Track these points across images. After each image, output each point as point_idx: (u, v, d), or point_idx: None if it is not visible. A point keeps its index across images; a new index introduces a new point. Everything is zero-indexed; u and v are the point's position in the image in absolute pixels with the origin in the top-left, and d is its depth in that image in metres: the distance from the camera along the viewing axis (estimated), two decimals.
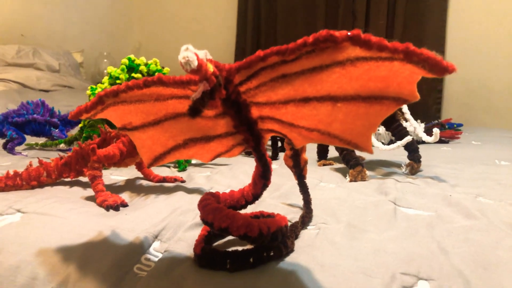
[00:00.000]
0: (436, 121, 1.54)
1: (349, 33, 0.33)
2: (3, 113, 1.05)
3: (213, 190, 0.72)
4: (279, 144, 1.19)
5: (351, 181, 0.85)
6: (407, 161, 0.95)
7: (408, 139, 0.80)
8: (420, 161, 0.94)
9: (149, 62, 0.94)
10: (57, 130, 1.10)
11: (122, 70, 0.93)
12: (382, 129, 1.50)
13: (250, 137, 0.45)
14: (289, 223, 0.56)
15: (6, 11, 2.43)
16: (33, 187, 0.68)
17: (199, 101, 0.35)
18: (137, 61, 0.94)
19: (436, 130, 0.78)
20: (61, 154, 0.73)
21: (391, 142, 1.35)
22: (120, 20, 3.40)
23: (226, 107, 0.42)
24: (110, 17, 3.27)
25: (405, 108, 0.88)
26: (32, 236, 0.51)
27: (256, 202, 0.64)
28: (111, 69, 0.94)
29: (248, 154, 1.16)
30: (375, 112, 0.38)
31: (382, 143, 1.43)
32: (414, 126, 0.87)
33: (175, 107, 0.44)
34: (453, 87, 2.76)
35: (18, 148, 1.07)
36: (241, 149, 0.48)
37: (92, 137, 0.89)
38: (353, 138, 0.40)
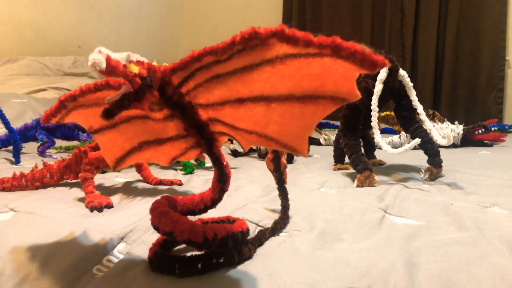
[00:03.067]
0: (479, 123, 1.41)
1: (273, 29, 0.31)
2: (36, 118, 1.14)
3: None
4: None
5: (357, 186, 0.80)
6: (427, 165, 0.88)
7: (416, 141, 0.74)
8: (441, 166, 0.87)
9: None
10: (84, 134, 1.16)
11: None
12: (403, 134, 1.41)
13: (201, 139, 0.44)
14: (258, 229, 0.55)
15: (64, 25, 2.64)
16: (37, 188, 0.72)
17: (116, 103, 0.35)
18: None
19: (448, 133, 0.71)
20: (63, 156, 0.77)
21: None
22: (170, 29, 3.55)
23: (170, 109, 0.41)
24: (161, 27, 3.42)
25: (420, 109, 0.82)
26: (12, 233, 0.54)
27: (239, 205, 0.63)
28: None
29: (261, 157, 1.14)
30: (311, 112, 0.35)
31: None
32: (429, 128, 0.80)
33: (128, 110, 0.44)
34: None
35: (49, 151, 1.15)
36: (197, 152, 0.47)
37: None
38: (289, 141, 0.38)
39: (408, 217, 0.58)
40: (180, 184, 0.77)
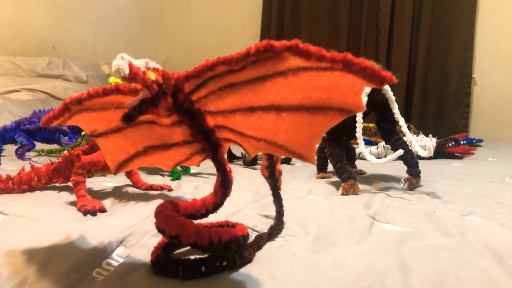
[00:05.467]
0: (450, 137, 1.49)
1: (287, 43, 0.33)
2: (15, 121, 1.11)
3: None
4: None
5: (342, 194, 0.83)
6: (407, 176, 0.92)
7: (399, 153, 0.77)
8: (419, 176, 0.91)
9: None
10: (66, 137, 1.14)
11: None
12: (380, 145, 1.47)
13: (207, 145, 0.45)
14: (254, 234, 0.56)
15: (39, 25, 2.57)
16: (24, 191, 0.71)
17: (135, 108, 0.36)
18: None
19: (428, 145, 0.75)
20: (52, 159, 0.76)
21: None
22: (148, 33, 3.52)
23: (180, 115, 0.43)
24: (139, 30, 3.39)
25: (401, 121, 0.86)
26: (5, 237, 0.53)
27: (232, 211, 0.65)
28: (113, 80, 0.97)
29: (246, 164, 1.16)
30: (319, 122, 0.37)
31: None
32: (410, 140, 0.84)
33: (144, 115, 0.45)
34: (482, 102, 2.67)
35: (28, 154, 1.12)
36: (201, 157, 0.49)
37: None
38: (297, 149, 0.39)
39: (395, 223, 0.61)
40: (170, 189, 0.78)
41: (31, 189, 0.72)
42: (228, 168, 0.47)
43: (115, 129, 0.47)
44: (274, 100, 0.38)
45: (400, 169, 1.10)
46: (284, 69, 0.35)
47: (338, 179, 0.98)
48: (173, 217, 0.44)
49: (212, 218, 0.57)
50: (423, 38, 2.74)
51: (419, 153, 0.81)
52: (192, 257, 0.46)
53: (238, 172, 1.04)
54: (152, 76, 0.37)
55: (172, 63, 3.55)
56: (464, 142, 1.57)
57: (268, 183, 0.61)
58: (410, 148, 0.91)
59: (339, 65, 0.32)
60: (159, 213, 0.45)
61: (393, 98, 0.89)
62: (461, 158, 1.46)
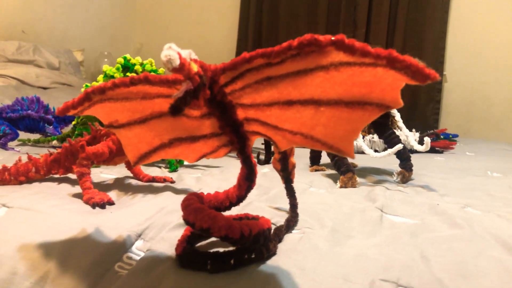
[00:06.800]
0: (431, 131, 1.54)
1: (333, 38, 0.33)
2: None
3: (202, 191, 0.72)
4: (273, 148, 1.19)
5: (341, 187, 0.85)
6: (399, 169, 0.95)
7: (399, 147, 0.80)
8: (411, 170, 0.94)
9: (145, 62, 0.95)
10: (51, 127, 1.10)
11: (117, 69, 0.93)
12: (376, 137, 1.50)
13: (235, 138, 0.45)
14: (273, 227, 0.56)
15: (7, 7, 2.44)
16: (21, 183, 0.68)
17: (180, 100, 0.35)
18: (133, 61, 0.94)
19: (427, 139, 0.78)
20: (51, 150, 0.73)
21: (385, 150, 1.35)
22: (122, 21, 3.41)
23: (211, 107, 0.42)
24: (112, 18, 3.28)
25: (397, 116, 0.88)
26: (14, 231, 0.51)
27: (243, 204, 0.64)
28: (106, 68, 0.94)
29: (261, 164, 1.14)
30: (358, 117, 0.38)
31: (376, 150, 1.43)
32: (406, 135, 0.87)
33: (161, 106, 0.44)
34: (452, 98, 2.77)
35: (11, 144, 1.07)
36: (226, 150, 0.48)
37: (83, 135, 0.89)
38: (335, 143, 0.40)
39: (402, 216, 0.63)
40: (173, 182, 0.77)
41: (29, 180, 0.69)
42: (253, 161, 0.47)
43: (139, 120, 0.46)
44: (313, 94, 0.38)
45: (390, 163, 1.13)
46: (326, 63, 0.35)
47: (332, 172, 1.00)
48: (203, 210, 0.43)
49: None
50: (398, 35, 2.81)
51: (415, 148, 0.84)
52: (221, 249, 0.45)
53: (233, 164, 1.03)
54: (194, 67, 0.36)
55: (146, 52, 3.46)
56: (442, 137, 1.63)
57: (280, 176, 0.62)
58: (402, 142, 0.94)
59: (383, 61, 0.32)
60: (188, 206, 0.44)
61: None
62: (442, 152, 1.52)
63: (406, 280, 0.42)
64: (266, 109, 0.41)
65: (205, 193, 0.50)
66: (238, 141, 0.45)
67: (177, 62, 0.33)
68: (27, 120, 1.07)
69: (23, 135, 1.14)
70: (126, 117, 0.46)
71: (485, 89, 2.65)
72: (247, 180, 0.48)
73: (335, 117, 0.38)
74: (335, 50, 0.33)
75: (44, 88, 2.20)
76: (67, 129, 1.21)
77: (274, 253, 0.48)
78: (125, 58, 0.94)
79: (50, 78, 2.30)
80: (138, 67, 0.93)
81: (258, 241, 0.45)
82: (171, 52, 0.33)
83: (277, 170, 0.62)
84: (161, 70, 0.96)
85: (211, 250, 0.46)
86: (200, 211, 0.43)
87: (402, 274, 0.43)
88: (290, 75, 0.37)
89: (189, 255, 0.45)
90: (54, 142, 1.05)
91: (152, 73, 0.40)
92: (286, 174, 0.61)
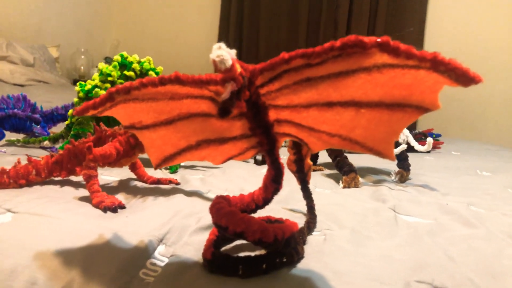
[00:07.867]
0: (417, 131, 1.58)
1: (378, 40, 0.32)
2: None
3: (210, 193, 0.71)
4: None
5: (344, 187, 0.85)
6: (396, 169, 0.97)
7: (403, 147, 0.81)
8: (409, 170, 0.96)
9: (143, 60, 0.92)
10: (38, 126, 1.05)
11: (114, 67, 0.90)
12: None
13: (265, 140, 0.44)
14: None
15: None
16: (21, 186, 0.64)
17: (228, 102, 0.34)
18: (130, 59, 0.91)
19: (429, 140, 0.80)
20: (52, 152, 0.70)
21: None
22: (98, 17, 3.32)
23: (245, 108, 0.41)
24: (88, 13, 3.19)
25: None
26: (26, 237, 0.48)
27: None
28: (102, 66, 0.91)
29: (258, 164, 1.10)
30: (398, 119, 0.38)
31: None
32: (406, 135, 0.88)
33: (189, 107, 0.43)
34: None
35: None
36: (254, 152, 0.47)
37: (81, 135, 0.85)
38: (375, 145, 0.40)
39: (415, 215, 0.64)
40: (178, 183, 0.75)
41: (29, 183, 0.66)
42: (281, 163, 0.47)
43: (165, 121, 0.44)
44: (354, 96, 0.38)
45: (384, 162, 1.15)
46: (369, 65, 0.35)
47: (331, 172, 1.01)
48: (236, 214, 0.42)
49: None
50: (378, 34, 2.86)
51: (415, 148, 0.85)
52: (250, 254, 0.44)
53: (230, 164, 1.02)
54: (238, 68, 0.35)
55: (124, 48, 3.37)
56: (429, 137, 1.67)
57: (296, 177, 0.61)
58: (400, 142, 0.95)
59: (427, 64, 0.32)
60: (219, 209, 0.43)
61: None
62: (429, 152, 1.56)
63: (440, 281, 0.42)
64: (303, 111, 0.40)
65: (228, 195, 0.49)
66: (268, 143, 0.44)
67: (229, 62, 0.32)
68: (13, 119, 1.02)
69: (9, 135, 1.08)
70: (151, 118, 0.44)
71: (460, 90, 2.73)
72: (275, 183, 0.47)
73: (375, 119, 0.38)
74: (379, 52, 0.33)
75: (20, 85, 2.11)
76: (54, 129, 1.16)
77: (302, 256, 0.47)
78: (122, 56, 0.91)
79: (25, 75, 2.21)
80: (136, 65, 0.90)
81: (289, 245, 0.45)
82: (224, 52, 0.32)
83: (292, 172, 0.61)
84: (160, 68, 0.93)
85: (240, 254, 0.45)
86: (233, 215, 0.42)
87: (435, 275, 0.43)
88: (331, 76, 0.37)
89: (219, 260, 0.43)
90: (46, 143, 1.00)
91: (176, 72, 0.38)
92: (302, 175, 0.61)
